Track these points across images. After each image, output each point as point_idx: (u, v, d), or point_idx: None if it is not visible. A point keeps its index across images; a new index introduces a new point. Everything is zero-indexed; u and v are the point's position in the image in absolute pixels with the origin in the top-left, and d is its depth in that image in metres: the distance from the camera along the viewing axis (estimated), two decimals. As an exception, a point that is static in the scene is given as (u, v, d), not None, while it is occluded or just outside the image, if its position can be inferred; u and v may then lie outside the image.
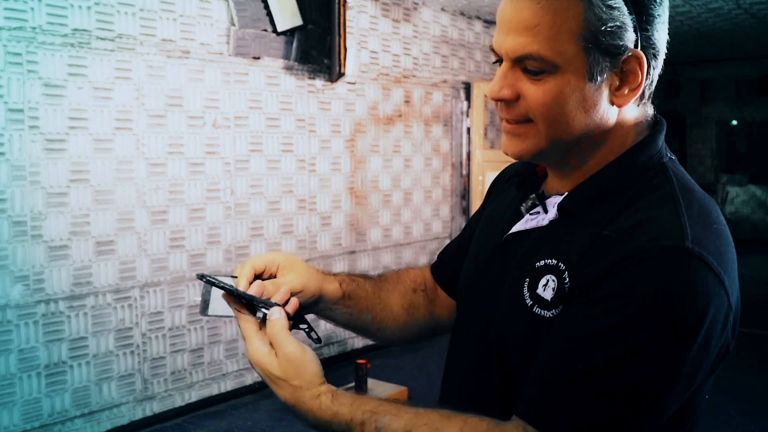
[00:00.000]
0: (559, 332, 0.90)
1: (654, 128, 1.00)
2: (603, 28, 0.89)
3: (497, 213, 1.15)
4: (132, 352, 3.83)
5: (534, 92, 0.92)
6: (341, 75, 4.81)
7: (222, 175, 4.23)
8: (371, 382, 4.04)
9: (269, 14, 4.36)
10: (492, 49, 0.97)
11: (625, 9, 0.90)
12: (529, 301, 0.96)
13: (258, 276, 1.08)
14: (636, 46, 0.92)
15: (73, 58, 3.49)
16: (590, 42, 0.90)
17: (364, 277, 1.24)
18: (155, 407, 3.95)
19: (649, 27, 0.93)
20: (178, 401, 4.07)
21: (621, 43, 0.91)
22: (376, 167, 5.33)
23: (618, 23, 0.90)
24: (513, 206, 1.09)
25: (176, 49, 3.93)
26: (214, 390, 4.26)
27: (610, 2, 0.89)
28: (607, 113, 0.95)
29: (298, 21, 4.53)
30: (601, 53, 0.90)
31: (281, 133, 4.57)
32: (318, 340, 1.03)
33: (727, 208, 11.17)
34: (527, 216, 1.03)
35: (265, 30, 4.37)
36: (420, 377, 4.49)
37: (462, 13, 6.01)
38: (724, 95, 11.18)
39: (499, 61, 0.97)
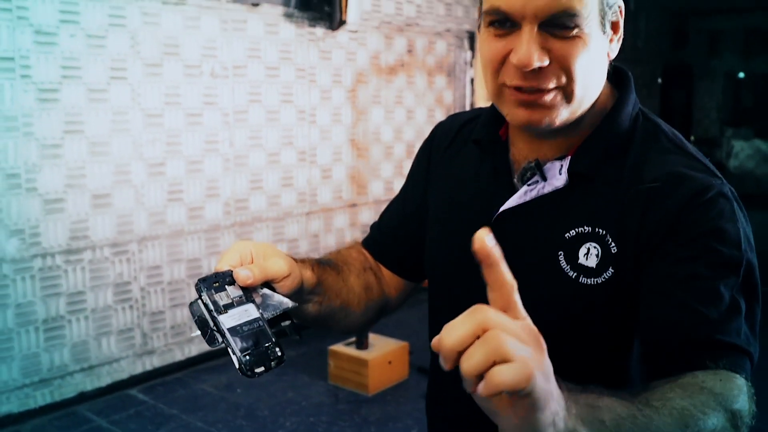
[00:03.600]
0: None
1: (623, 78, 1.01)
2: None
3: (461, 183, 1.09)
4: (131, 307, 3.78)
5: (569, 52, 0.88)
6: (342, 23, 4.66)
7: (220, 126, 4.13)
8: (372, 338, 4.01)
9: (268, -41, 4.20)
10: (499, 12, 0.87)
11: None
12: (572, 273, 0.93)
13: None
14: None
15: (65, 4, 3.35)
16: None
17: (321, 260, 1.10)
18: (155, 361, 3.93)
19: None
20: (179, 355, 4.05)
21: None
22: (378, 119, 5.22)
23: None
24: (485, 176, 1.05)
25: (172, -5, 3.78)
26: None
27: None
28: (605, 66, 0.94)
29: (298, -34, 4.37)
30: (607, 5, 0.90)
31: (281, 83, 4.45)
32: (300, 335, 0.91)
33: (731, 162, 11.05)
34: (525, 188, 0.98)
35: (264, -25, 4.22)
36: (421, 332, 4.44)
37: (467, -41, 5.82)
38: (732, 47, 10.96)
39: (500, 22, 0.89)
